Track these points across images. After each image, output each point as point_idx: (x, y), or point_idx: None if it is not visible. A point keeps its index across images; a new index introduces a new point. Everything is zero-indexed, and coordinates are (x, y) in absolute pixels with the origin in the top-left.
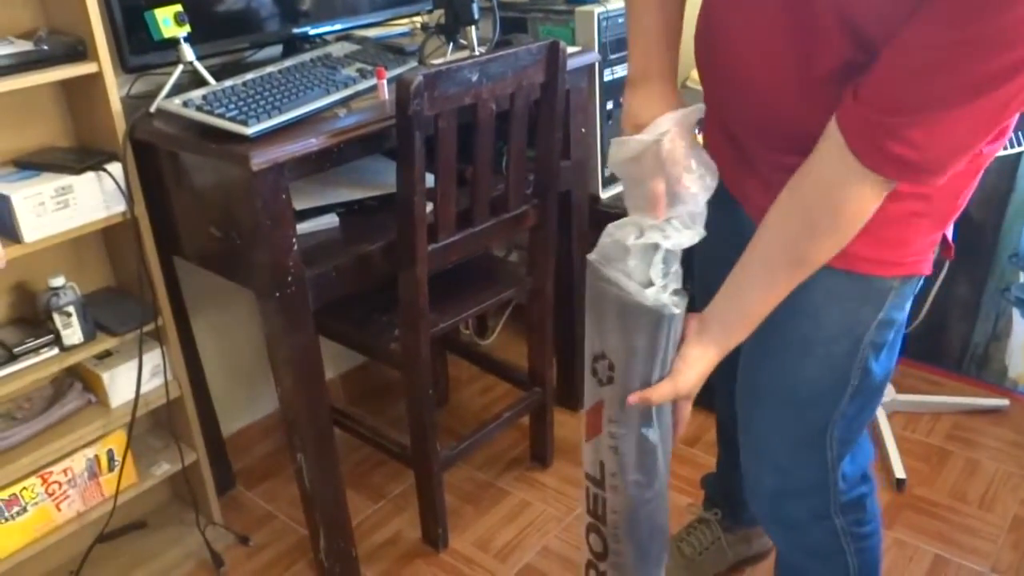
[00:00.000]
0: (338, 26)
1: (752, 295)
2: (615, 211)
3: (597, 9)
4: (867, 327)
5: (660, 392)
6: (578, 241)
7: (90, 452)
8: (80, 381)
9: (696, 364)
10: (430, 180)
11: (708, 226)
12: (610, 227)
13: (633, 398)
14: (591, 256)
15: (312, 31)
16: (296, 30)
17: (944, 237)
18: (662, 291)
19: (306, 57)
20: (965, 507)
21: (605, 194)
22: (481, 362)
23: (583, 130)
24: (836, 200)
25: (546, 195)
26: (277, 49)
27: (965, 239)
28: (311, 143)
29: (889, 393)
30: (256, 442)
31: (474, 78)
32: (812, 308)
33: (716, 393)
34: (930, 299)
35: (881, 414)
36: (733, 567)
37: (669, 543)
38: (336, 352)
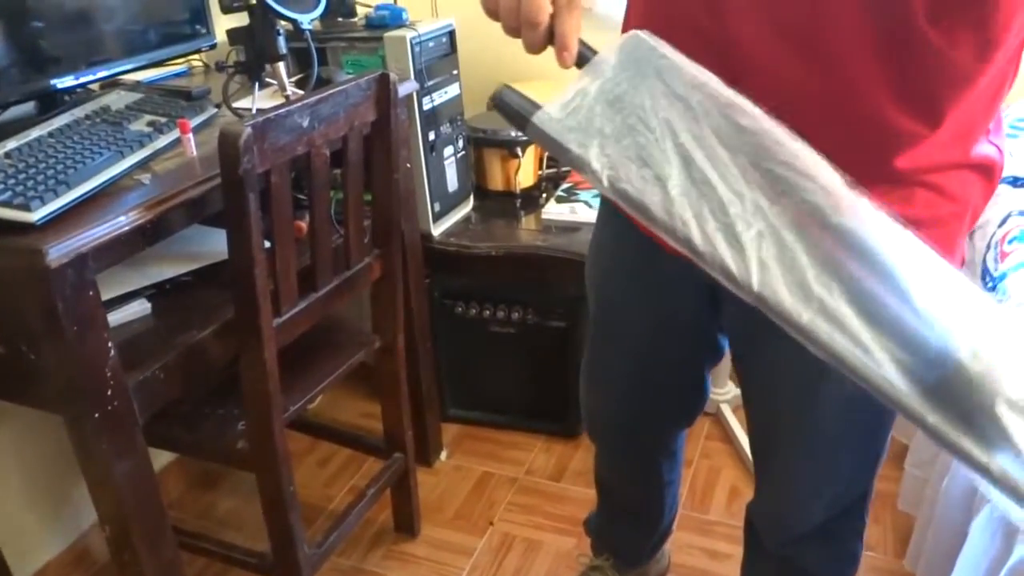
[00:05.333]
0: (103, 72)
1: None
2: (451, 248)
3: (408, 34)
4: None
5: None
6: (415, 285)
7: None
8: None
9: None
10: None
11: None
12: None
13: None
14: None
15: (71, 81)
16: (54, 81)
17: None
18: None
19: (78, 113)
20: None
21: (437, 230)
22: (313, 430)
23: (408, 165)
24: None
25: (389, 242)
26: (28, 107)
27: None
28: (120, 223)
29: (730, 388)
30: None
31: (305, 123)
32: None
33: (601, 450)
34: None
35: (727, 410)
36: None
37: None
38: None
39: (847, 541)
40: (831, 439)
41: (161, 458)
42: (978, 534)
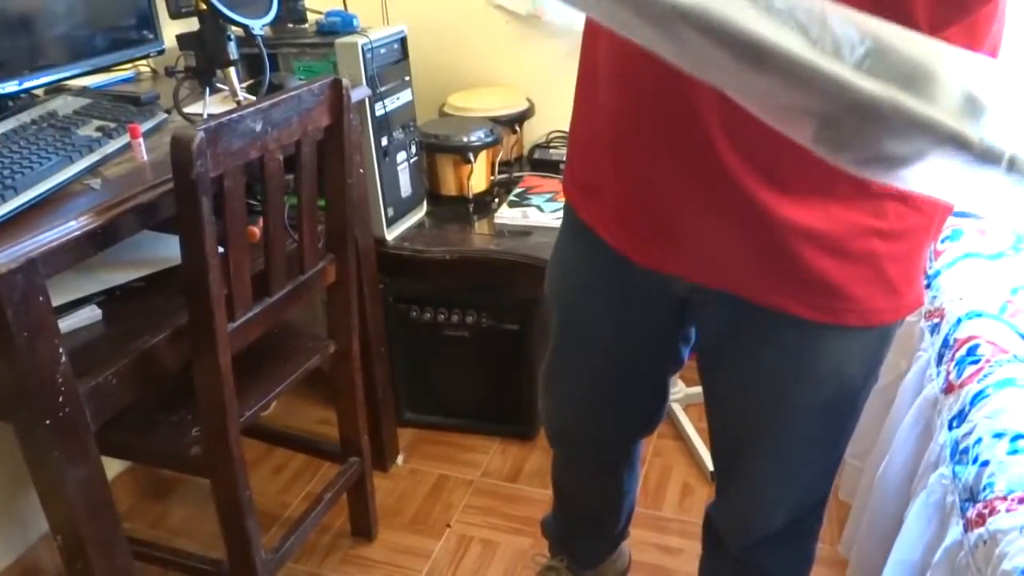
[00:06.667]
0: (48, 78)
1: None
2: (405, 253)
3: (360, 40)
4: (879, 367)
5: None
6: (369, 289)
7: None
8: None
9: None
10: None
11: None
12: None
13: None
14: None
15: (15, 87)
16: None
17: None
18: None
19: (24, 118)
20: None
21: (391, 235)
22: (274, 437)
23: (361, 171)
24: None
25: (343, 247)
26: None
27: None
28: (70, 227)
29: (681, 387)
30: None
31: (258, 128)
32: (833, 372)
33: (560, 458)
34: None
35: (678, 408)
36: None
37: None
38: None
39: (805, 542)
40: (798, 447)
41: (112, 468)
42: (914, 519)
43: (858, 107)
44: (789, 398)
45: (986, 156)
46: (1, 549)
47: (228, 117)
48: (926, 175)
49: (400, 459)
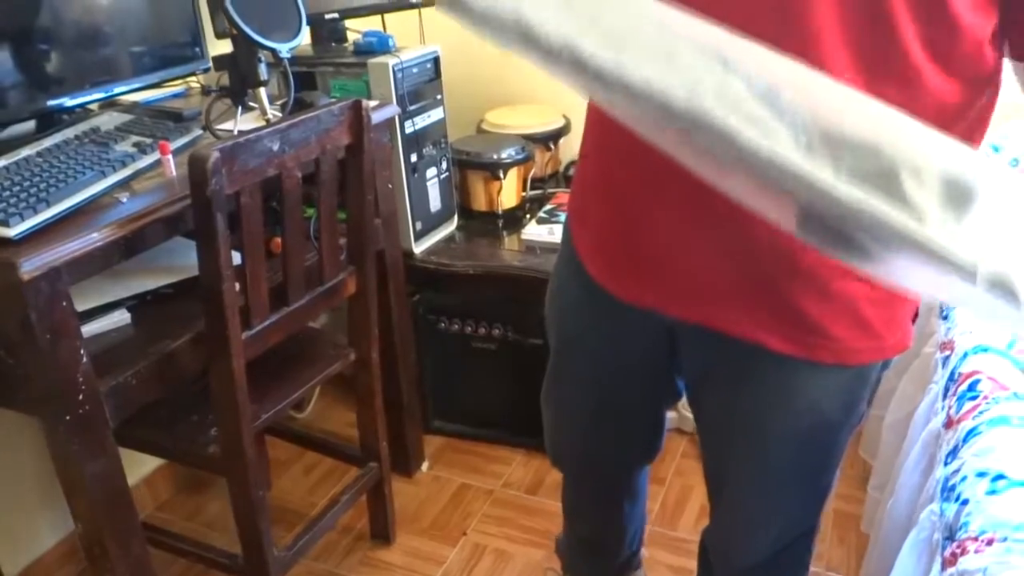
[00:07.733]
0: (101, 93)
1: None
2: (431, 266)
3: (391, 60)
4: (861, 404)
5: None
6: (396, 300)
7: None
8: None
9: None
10: (235, 258)
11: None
12: None
13: None
14: None
15: (70, 102)
16: (51, 102)
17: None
18: None
19: (69, 133)
20: None
21: (418, 248)
22: (301, 439)
23: (389, 186)
24: None
25: (363, 260)
26: (28, 125)
27: None
28: (93, 238)
29: None
30: None
31: (275, 147)
32: (810, 407)
33: (565, 479)
34: None
35: None
36: None
37: None
38: (132, 455)
39: (793, 573)
40: (779, 477)
41: (151, 462)
42: (905, 555)
43: (839, 209)
44: (765, 427)
45: (959, 269)
46: (47, 531)
47: (245, 137)
48: (901, 271)
49: (425, 466)
